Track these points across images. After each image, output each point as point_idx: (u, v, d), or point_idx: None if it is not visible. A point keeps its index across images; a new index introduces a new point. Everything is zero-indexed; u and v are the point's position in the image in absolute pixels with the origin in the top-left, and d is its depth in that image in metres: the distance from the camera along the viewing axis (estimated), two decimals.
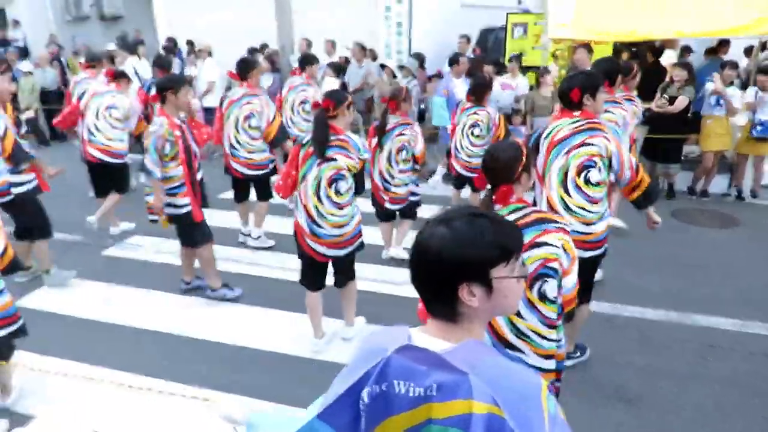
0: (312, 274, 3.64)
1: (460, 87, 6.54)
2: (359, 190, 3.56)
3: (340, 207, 3.43)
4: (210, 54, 8.96)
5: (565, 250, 2.09)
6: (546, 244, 2.06)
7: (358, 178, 3.51)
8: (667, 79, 6.66)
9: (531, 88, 7.69)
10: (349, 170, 3.39)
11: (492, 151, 2.25)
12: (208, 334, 4.02)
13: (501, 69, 8.14)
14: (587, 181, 3.02)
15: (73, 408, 2.93)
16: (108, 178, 5.63)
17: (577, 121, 3.05)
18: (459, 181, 5.80)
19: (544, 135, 3.12)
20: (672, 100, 6.34)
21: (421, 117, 7.52)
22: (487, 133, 5.39)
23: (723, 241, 5.66)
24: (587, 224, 3.08)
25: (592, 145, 2.99)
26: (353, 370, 1.14)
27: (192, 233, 4.24)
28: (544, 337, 2.14)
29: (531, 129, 7.05)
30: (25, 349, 3.57)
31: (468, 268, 1.11)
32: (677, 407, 3.21)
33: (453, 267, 1.11)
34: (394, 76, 8.10)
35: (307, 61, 6.04)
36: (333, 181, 3.37)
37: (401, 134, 4.64)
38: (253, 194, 5.39)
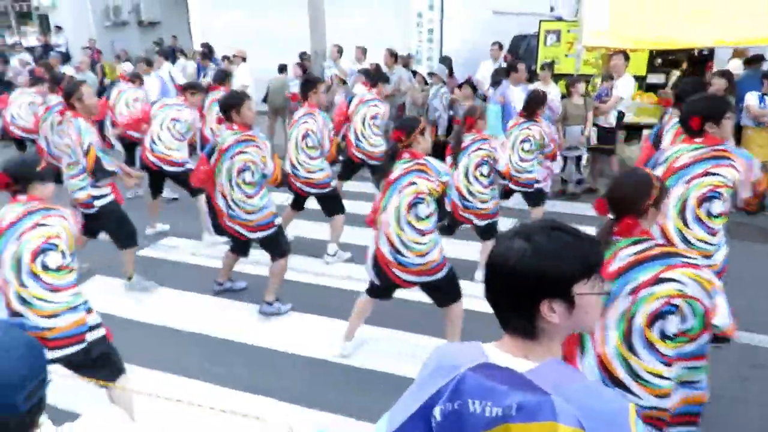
0: (383, 290, 3.58)
1: (518, 95, 6.44)
2: (441, 216, 3.44)
3: (423, 233, 3.30)
4: (244, 59, 9.11)
5: (703, 287, 1.88)
6: (671, 280, 1.88)
7: (440, 203, 3.37)
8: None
9: (563, 96, 7.60)
10: (430, 194, 3.27)
11: (621, 179, 2.11)
12: (241, 336, 4.07)
13: (533, 76, 8.06)
14: (709, 213, 2.80)
15: (115, 409, 2.96)
16: (165, 182, 5.80)
17: (700, 148, 2.85)
18: (505, 196, 5.63)
19: (660, 160, 2.95)
20: None
21: (450, 125, 7.48)
22: (537, 149, 5.21)
23: (763, 255, 5.48)
24: (707, 257, 2.83)
25: (718, 175, 2.78)
26: (424, 386, 1.12)
27: (281, 241, 4.28)
28: (662, 377, 1.95)
29: (563, 138, 6.96)
30: None
31: (550, 284, 1.08)
32: (714, 428, 3.12)
33: (534, 283, 1.08)
34: (426, 83, 8.10)
35: (380, 78, 6.04)
36: (412, 205, 3.27)
37: (479, 149, 4.54)
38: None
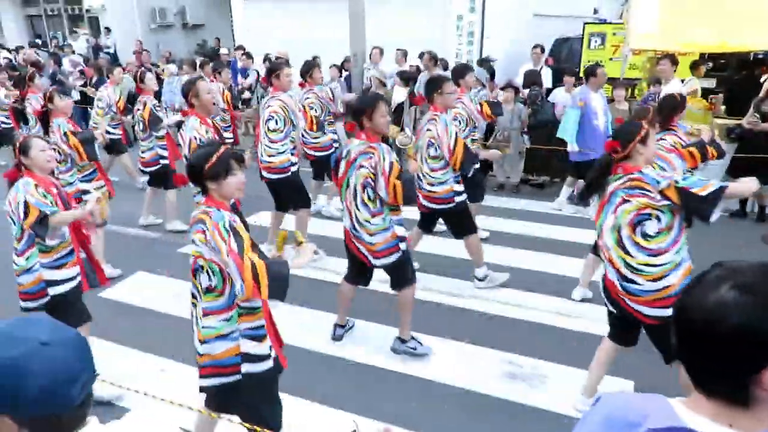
0: (624, 328, 3.08)
1: (598, 100, 6.18)
2: (691, 218, 2.82)
3: (655, 254, 2.75)
4: (287, 63, 9.20)
5: None
6: None
7: (691, 209, 2.70)
8: (762, 93, 6.24)
9: (610, 101, 7.41)
10: (656, 209, 2.71)
11: None
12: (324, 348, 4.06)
13: (580, 80, 7.89)
14: None
15: (161, 404, 2.98)
16: (281, 193, 5.30)
17: None
18: None
19: None
20: (765, 117, 5.94)
21: (491, 129, 7.37)
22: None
23: None
24: None
25: None
26: None
27: (406, 269, 3.73)
28: None
29: None
30: (103, 337, 3.79)
31: None
32: None
33: (760, 348, 0.87)
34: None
35: (460, 74, 5.23)
36: (636, 224, 2.77)
37: None
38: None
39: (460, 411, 3.31)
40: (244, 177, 2.39)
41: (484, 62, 9.30)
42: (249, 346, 2.39)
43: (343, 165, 3.57)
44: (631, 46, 6.40)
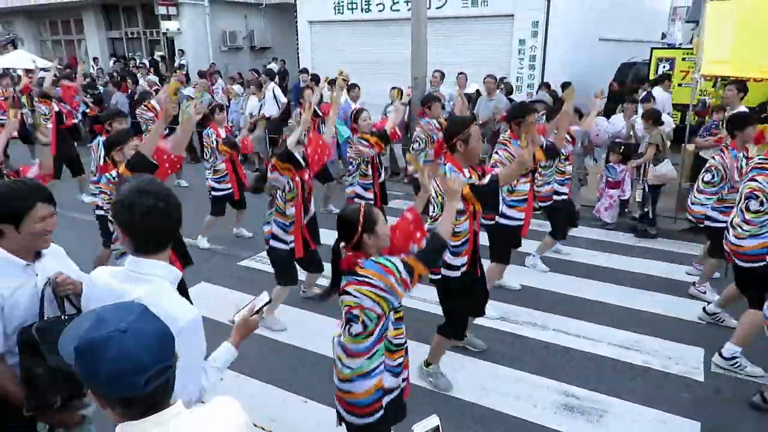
0: None
1: None
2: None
3: None
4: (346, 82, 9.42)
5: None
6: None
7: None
8: None
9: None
10: None
11: None
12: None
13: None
14: None
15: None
16: None
17: None
18: None
19: None
20: None
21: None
22: None
23: None
24: None
25: None
26: None
27: None
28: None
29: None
30: None
31: None
32: None
33: None
34: None
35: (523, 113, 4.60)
36: None
37: None
38: None
39: None
40: None
41: (547, 87, 9.21)
42: (389, 381, 2.39)
43: None
44: (703, 72, 6.18)
